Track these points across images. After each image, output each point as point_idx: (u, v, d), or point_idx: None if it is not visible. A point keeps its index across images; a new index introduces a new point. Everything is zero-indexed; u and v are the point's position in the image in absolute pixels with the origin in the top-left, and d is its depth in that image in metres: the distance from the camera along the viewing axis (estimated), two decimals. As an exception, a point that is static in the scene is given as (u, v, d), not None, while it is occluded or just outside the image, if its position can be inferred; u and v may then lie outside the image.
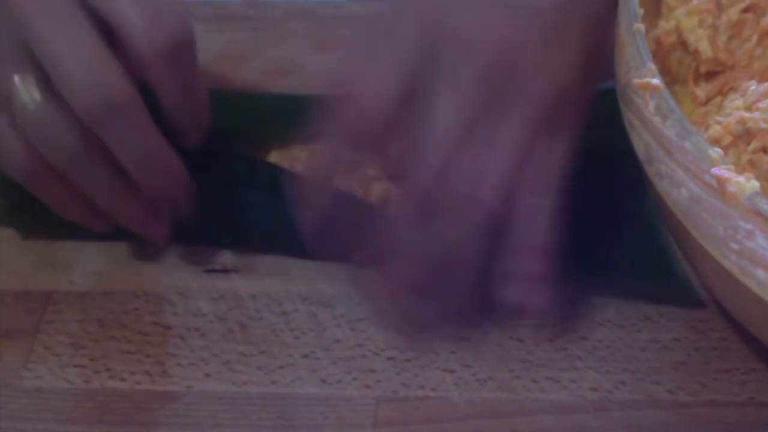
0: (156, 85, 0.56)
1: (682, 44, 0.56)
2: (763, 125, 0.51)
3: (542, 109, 0.53)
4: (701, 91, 0.56)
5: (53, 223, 0.60)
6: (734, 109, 0.52)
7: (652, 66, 0.50)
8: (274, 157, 0.64)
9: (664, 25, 0.56)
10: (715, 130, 0.52)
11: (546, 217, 0.54)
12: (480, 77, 0.52)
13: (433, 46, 0.53)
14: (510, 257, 0.54)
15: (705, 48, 0.55)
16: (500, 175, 0.53)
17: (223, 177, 0.62)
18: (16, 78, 0.54)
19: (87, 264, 0.61)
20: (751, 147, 0.51)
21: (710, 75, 0.56)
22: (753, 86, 0.53)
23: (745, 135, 0.51)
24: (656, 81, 0.50)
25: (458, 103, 0.53)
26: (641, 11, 0.52)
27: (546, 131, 0.54)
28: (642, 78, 0.50)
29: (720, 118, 0.52)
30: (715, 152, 0.47)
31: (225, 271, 0.61)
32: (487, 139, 0.53)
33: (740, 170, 0.48)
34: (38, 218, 0.61)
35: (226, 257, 0.61)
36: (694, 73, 0.56)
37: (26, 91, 0.54)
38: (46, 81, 0.54)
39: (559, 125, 0.54)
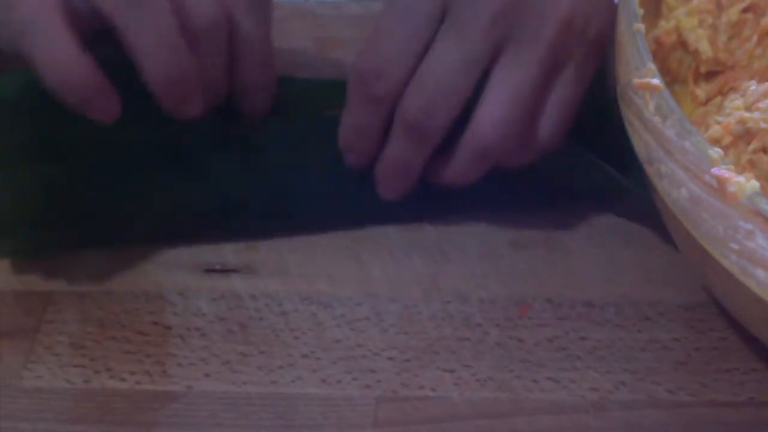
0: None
1: (682, 44, 0.56)
2: (763, 125, 0.51)
3: (548, 47, 0.55)
4: (701, 91, 0.56)
5: (37, 249, 0.60)
6: (734, 109, 0.52)
7: (652, 66, 0.50)
8: None
9: (664, 25, 0.56)
10: (715, 130, 0.52)
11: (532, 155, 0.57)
12: (486, 22, 0.54)
13: (448, 1, 0.55)
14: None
15: (705, 48, 0.55)
16: (506, 110, 0.55)
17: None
18: None
19: (87, 264, 0.61)
20: (751, 147, 0.51)
21: (710, 75, 0.56)
22: (753, 86, 0.53)
23: (745, 135, 0.51)
24: (656, 81, 0.50)
25: (462, 46, 0.55)
26: (641, 11, 0.52)
27: (555, 68, 0.55)
28: (642, 78, 0.50)
29: (720, 118, 0.52)
30: (715, 152, 0.47)
31: (225, 271, 0.60)
32: (496, 79, 0.55)
33: (740, 170, 0.48)
34: (24, 244, 0.61)
35: (226, 257, 0.61)
36: (694, 73, 0.56)
37: None
38: None
39: (569, 61, 0.56)
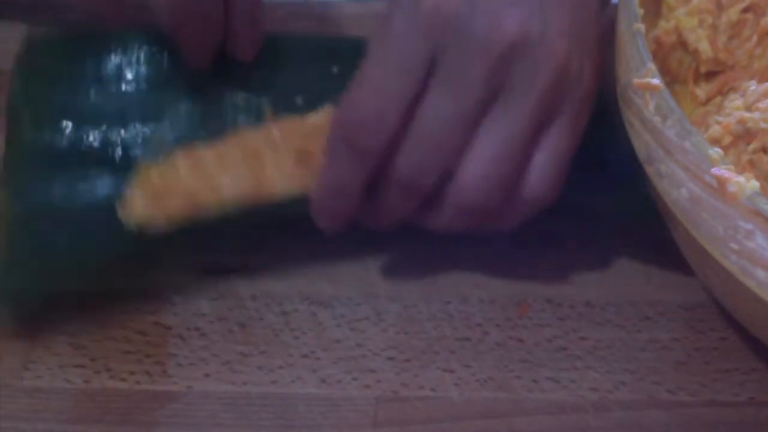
0: None
1: (682, 44, 0.56)
2: (763, 125, 0.51)
3: (541, 96, 0.53)
4: (701, 91, 0.56)
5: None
6: (734, 109, 0.52)
7: (652, 66, 0.50)
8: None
9: (664, 25, 0.56)
10: (715, 130, 0.52)
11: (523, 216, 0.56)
12: (480, 75, 0.52)
13: (438, 49, 0.53)
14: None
15: (705, 48, 0.55)
16: (491, 167, 0.53)
17: None
18: None
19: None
20: (751, 147, 0.51)
21: (710, 75, 0.56)
22: (753, 86, 0.53)
23: (745, 135, 0.51)
24: (656, 81, 0.50)
25: (457, 101, 0.53)
26: (641, 11, 0.52)
27: (546, 119, 0.54)
28: (642, 78, 0.50)
29: (720, 118, 0.52)
30: (715, 152, 0.47)
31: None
32: (484, 132, 0.53)
33: (740, 170, 0.48)
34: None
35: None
36: (694, 73, 0.56)
37: None
38: None
39: (561, 111, 0.54)
